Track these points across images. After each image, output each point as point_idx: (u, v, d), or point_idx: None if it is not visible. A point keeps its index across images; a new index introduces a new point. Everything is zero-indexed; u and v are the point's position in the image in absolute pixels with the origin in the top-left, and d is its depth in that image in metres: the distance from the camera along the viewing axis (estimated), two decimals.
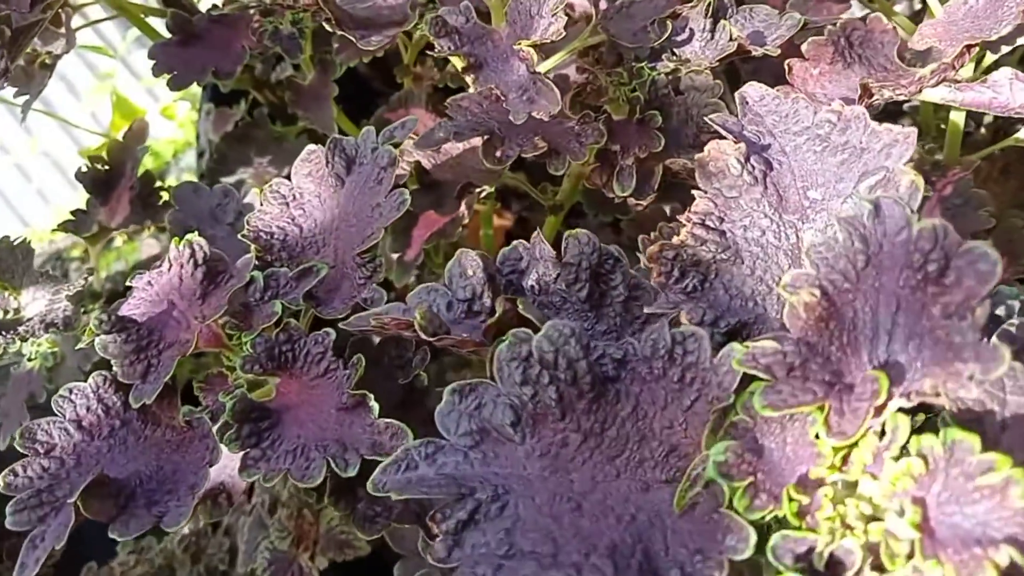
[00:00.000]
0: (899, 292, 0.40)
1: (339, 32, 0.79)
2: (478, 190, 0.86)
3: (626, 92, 0.83)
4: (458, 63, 0.75)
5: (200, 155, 1.46)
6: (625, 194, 0.78)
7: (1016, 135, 0.86)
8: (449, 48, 0.76)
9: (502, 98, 0.72)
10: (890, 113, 1.32)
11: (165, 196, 1.03)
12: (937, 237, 0.40)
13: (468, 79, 0.75)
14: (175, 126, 2.42)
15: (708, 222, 0.51)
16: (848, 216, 0.43)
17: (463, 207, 0.87)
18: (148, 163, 2.41)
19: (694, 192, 0.53)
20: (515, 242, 0.62)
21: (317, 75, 1.01)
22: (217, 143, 1.08)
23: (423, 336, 0.49)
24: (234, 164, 1.06)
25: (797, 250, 0.51)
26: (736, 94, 0.58)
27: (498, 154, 0.77)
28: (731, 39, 0.79)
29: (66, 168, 2.32)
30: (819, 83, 0.77)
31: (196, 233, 0.87)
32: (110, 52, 2.11)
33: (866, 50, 0.78)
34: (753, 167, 0.52)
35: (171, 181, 2.33)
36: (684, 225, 0.51)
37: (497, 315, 0.51)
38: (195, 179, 1.55)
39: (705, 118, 0.55)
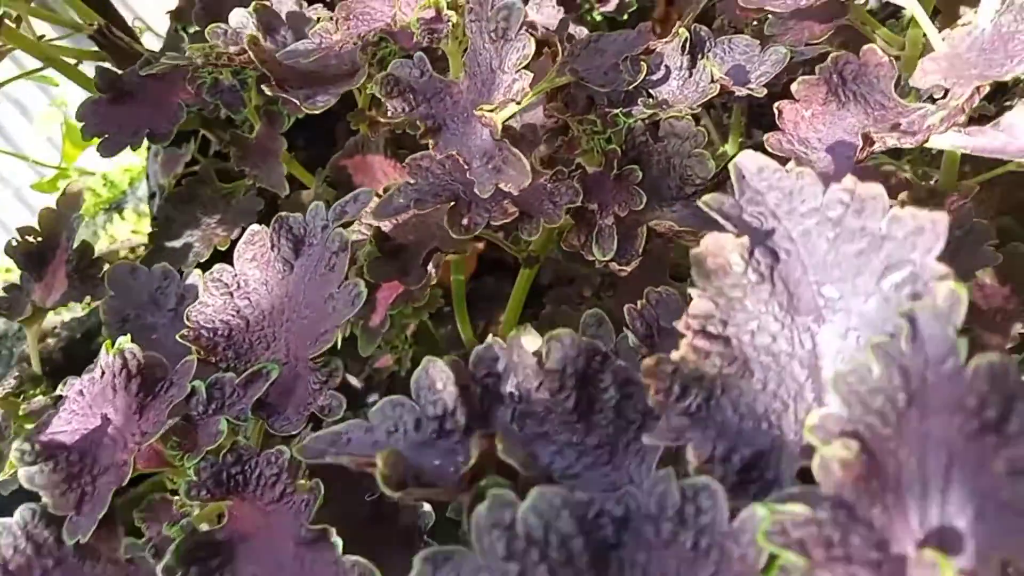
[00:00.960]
0: (951, 440, 0.34)
1: (280, 95, 0.71)
2: (446, 254, 0.79)
3: (601, 142, 0.75)
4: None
5: (151, 196, 1.37)
6: (606, 258, 0.71)
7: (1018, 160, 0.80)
8: (404, 109, 0.68)
9: (465, 166, 0.64)
10: None
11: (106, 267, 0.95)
12: (995, 375, 0.33)
13: (428, 143, 0.67)
14: (129, 152, 2.32)
15: (710, 328, 0.44)
16: (882, 342, 0.36)
17: (431, 271, 0.79)
18: (104, 194, 2.30)
19: (691, 291, 0.46)
20: (489, 341, 0.54)
21: (264, 128, 0.93)
22: (160, 204, 0.99)
23: (387, 491, 0.42)
24: (180, 227, 0.98)
25: (814, 358, 0.44)
26: (730, 165, 0.50)
27: (464, 222, 0.70)
28: (712, 80, 0.72)
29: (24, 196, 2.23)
30: (812, 126, 0.70)
31: (135, 319, 0.79)
32: (55, 81, 2.01)
33: (861, 86, 0.71)
34: (758, 262, 0.45)
35: (128, 212, 2.23)
36: (683, 335, 0.44)
37: (472, 461, 0.43)
38: (149, 218, 1.46)
39: (699, 203, 0.48)
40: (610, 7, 1.59)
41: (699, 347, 0.43)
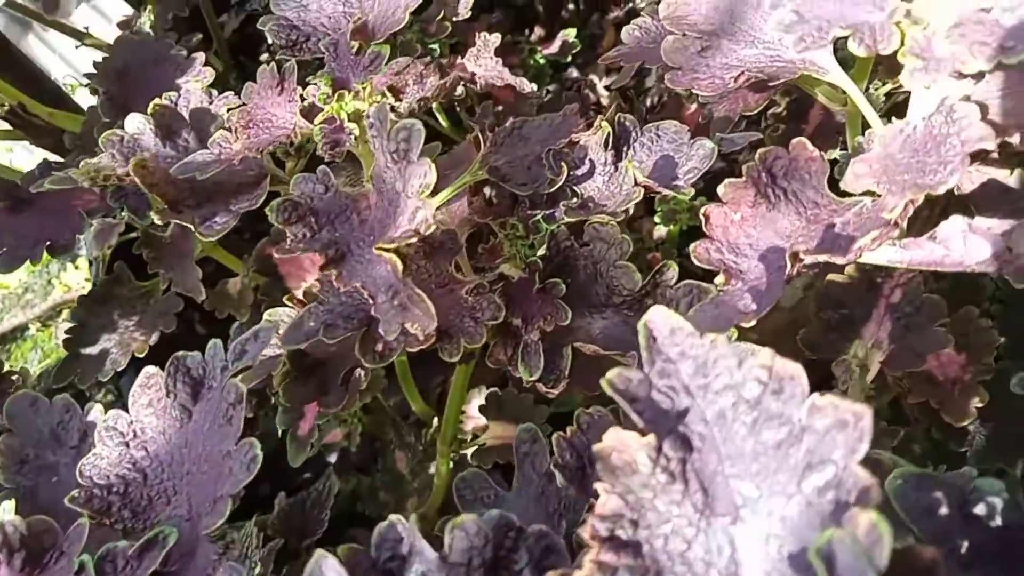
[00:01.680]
0: None
1: (172, 220, 0.66)
2: (368, 371, 0.74)
3: (524, 248, 0.71)
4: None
5: (90, 263, 1.31)
6: (533, 378, 0.67)
7: None
8: (305, 236, 0.63)
9: (370, 300, 0.59)
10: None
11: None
12: None
13: (331, 274, 0.62)
14: None
15: (619, 532, 0.40)
16: None
17: (358, 380, 0.74)
18: None
19: (598, 486, 0.42)
20: (392, 519, 0.49)
21: (177, 228, 0.88)
22: (75, 309, 0.93)
23: None
24: (95, 331, 0.92)
25: (734, 565, 0.39)
26: (640, 326, 0.46)
27: (378, 348, 0.65)
28: (635, 183, 0.68)
29: None
30: (742, 231, 0.66)
31: (35, 459, 0.74)
32: None
33: (792, 182, 0.67)
34: (668, 458, 0.40)
35: (82, 260, 2.15)
36: (589, 547, 0.40)
37: None
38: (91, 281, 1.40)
39: (603, 382, 0.43)
40: (553, 49, 1.55)
41: (606, 563, 0.39)
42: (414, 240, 0.57)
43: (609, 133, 0.72)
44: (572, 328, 0.70)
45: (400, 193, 0.62)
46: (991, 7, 0.57)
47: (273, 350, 0.77)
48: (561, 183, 0.72)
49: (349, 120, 0.66)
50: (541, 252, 0.71)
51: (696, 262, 0.64)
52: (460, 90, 1.31)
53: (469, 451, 0.98)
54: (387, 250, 0.56)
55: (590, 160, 0.74)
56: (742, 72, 0.70)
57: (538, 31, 1.87)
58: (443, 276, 0.70)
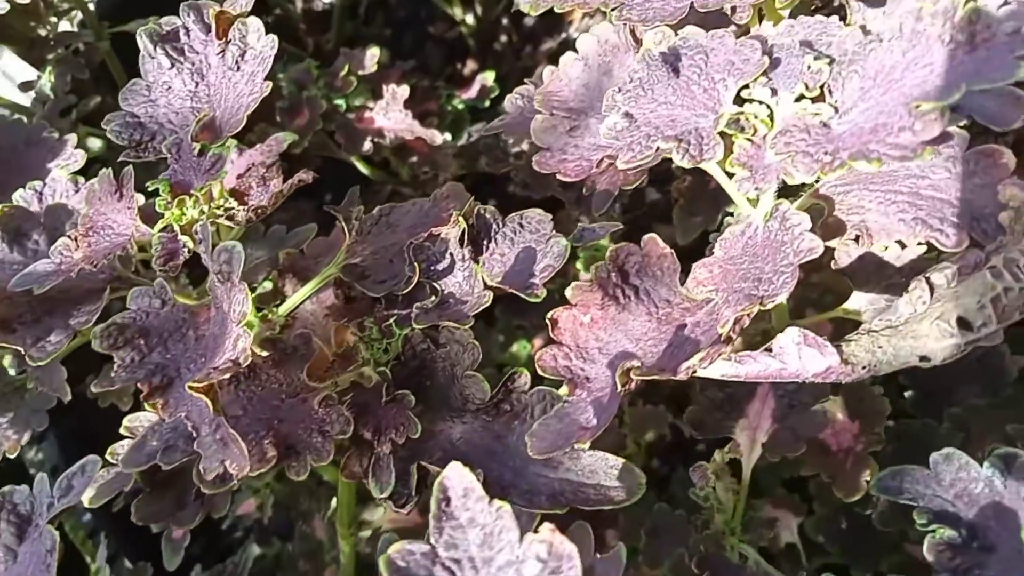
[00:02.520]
0: None
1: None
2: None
3: (379, 352, 0.69)
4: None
5: None
6: (384, 495, 0.64)
7: (845, 305, 0.75)
8: (132, 361, 0.60)
9: (194, 433, 0.57)
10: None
11: None
12: None
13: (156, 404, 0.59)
14: None
15: None
16: None
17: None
18: None
19: None
20: None
21: None
22: None
23: None
24: None
25: None
26: (436, 483, 0.44)
27: (214, 476, 0.62)
28: (485, 287, 0.66)
29: None
30: (592, 333, 0.64)
31: None
32: None
33: (645, 280, 0.65)
34: None
35: None
36: None
37: None
38: None
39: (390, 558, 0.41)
40: (472, 94, 1.53)
41: None
42: (231, 371, 0.55)
43: (463, 231, 0.69)
44: (434, 432, 0.68)
45: (227, 313, 0.59)
46: (822, 112, 0.56)
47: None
48: (416, 281, 0.69)
49: (182, 232, 0.64)
50: (397, 355, 0.68)
51: (540, 372, 0.62)
52: (368, 145, 1.30)
53: (366, 534, 0.96)
54: (200, 388, 0.54)
55: (450, 254, 0.71)
56: (608, 154, 0.68)
57: (470, 65, 1.85)
58: (295, 385, 0.68)
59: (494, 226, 0.72)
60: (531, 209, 0.74)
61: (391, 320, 0.68)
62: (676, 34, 0.67)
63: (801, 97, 0.57)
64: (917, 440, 1.05)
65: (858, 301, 0.74)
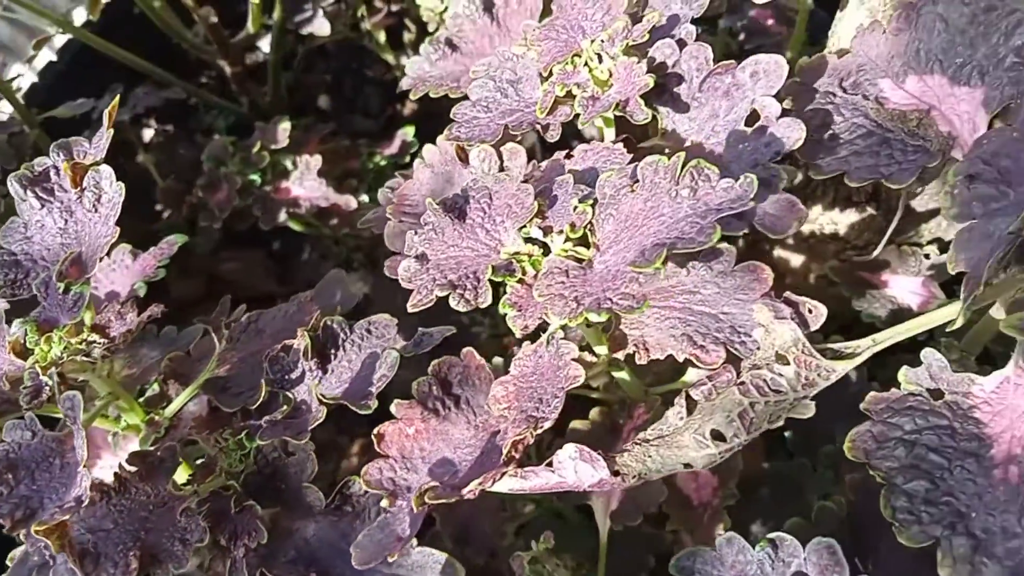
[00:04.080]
0: None
1: None
2: None
3: (235, 462, 0.76)
4: None
5: None
6: None
7: (684, 378, 0.82)
8: (1, 495, 0.68)
9: (50, 561, 0.64)
10: None
11: None
12: None
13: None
14: None
15: None
16: None
17: None
18: None
19: None
20: None
21: None
22: None
23: None
24: None
25: None
26: None
27: None
28: (320, 403, 0.73)
29: None
30: (417, 444, 0.71)
31: None
32: None
33: (466, 389, 0.73)
34: None
35: None
36: None
37: None
38: None
39: None
40: (393, 149, 1.60)
41: None
42: (75, 510, 0.62)
43: (307, 347, 0.76)
44: (291, 532, 0.76)
45: (74, 455, 0.67)
46: (582, 253, 0.62)
47: None
48: (269, 393, 0.76)
49: (43, 373, 0.71)
50: (253, 463, 0.76)
51: (365, 486, 0.69)
52: (284, 216, 1.37)
53: None
54: (44, 531, 0.61)
55: (302, 365, 0.78)
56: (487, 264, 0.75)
57: (410, 106, 1.91)
58: (162, 495, 0.75)
59: (341, 335, 0.79)
60: (379, 315, 0.81)
61: (242, 433, 0.75)
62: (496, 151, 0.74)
63: (568, 238, 0.63)
64: (791, 481, 1.12)
65: (693, 374, 0.82)
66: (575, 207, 0.64)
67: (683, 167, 0.58)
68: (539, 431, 0.61)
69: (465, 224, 0.66)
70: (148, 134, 1.89)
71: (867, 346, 0.64)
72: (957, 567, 0.61)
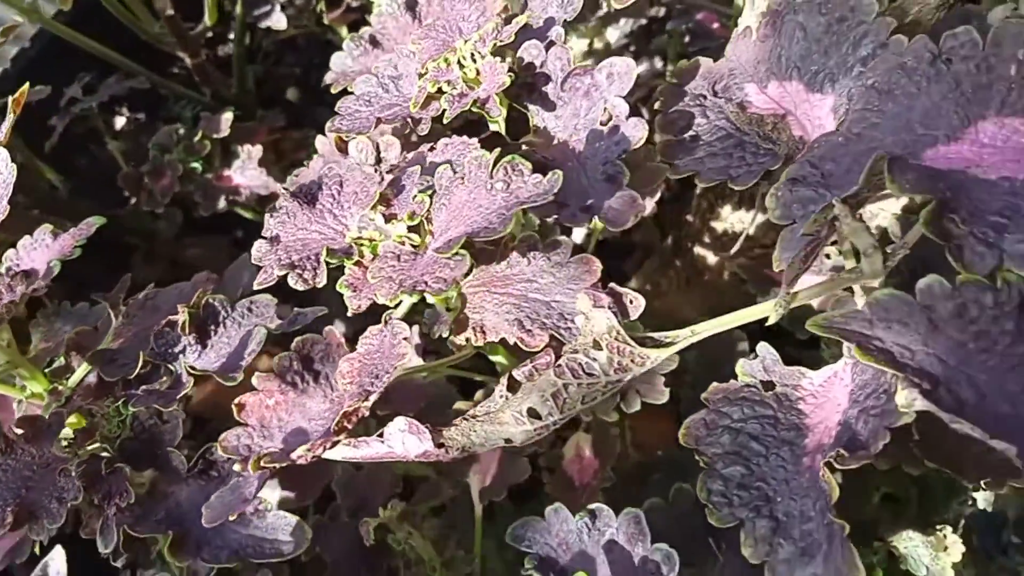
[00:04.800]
0: None
1: None
2: None
3: (115, 427, 0.81)
4: None
5: None
6: (108, 550, 0.77)
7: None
8: None
9: None
10: None
11: None
12: None
13: None
14: None
15: None
16: None
17: None
18: None
19: None
20: None
21: None
22: None
23: None
24: None
25: None
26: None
27: None
28: (189, 374, 0.78)
29: None
30: (276, 414, 0.76)
31: None
32: None
33: (326, 366, 0.77)
34: None
35: None
36: None
37: None
38: None
39: None
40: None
41: None
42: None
43: (185, 321, 0.81)
44: (166, 495, 0.81)
45: None
46: (416, 239, 0.67)
47: None
48: (150, 365, 0.81)
49: None
50: (131, 430, 0.81)
51: (222, 452, 0.74)
52: (223, 203, 1.41)
53: None
54: None
55: (184, 339, 0.83)
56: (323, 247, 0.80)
57: None
58: (45, 457, 0.80)
59: (223, 312, 0.84)
60: (261, 295, 0.86)
61: (120, 401, 0.80)
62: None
63: (408, 226, 0.68)
64: (681, 467, 1.16)
65: None
66: (415, 196, 0.68)
67: (496, 163, 0.62)
68: (369, 403, 0.65)
69: (315, 209, 0.70)
70: (120, 122, 1.94)
71: (685, 336, 0.68)
72: (758, 547, 0.64)
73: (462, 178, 0.66)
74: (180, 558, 0.72)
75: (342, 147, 0.83)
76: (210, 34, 2.04)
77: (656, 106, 0.86)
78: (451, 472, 0.95)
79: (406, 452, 0.67)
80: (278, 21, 1.63)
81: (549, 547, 0.70)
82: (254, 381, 0.76)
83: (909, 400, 0.52)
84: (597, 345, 0.66)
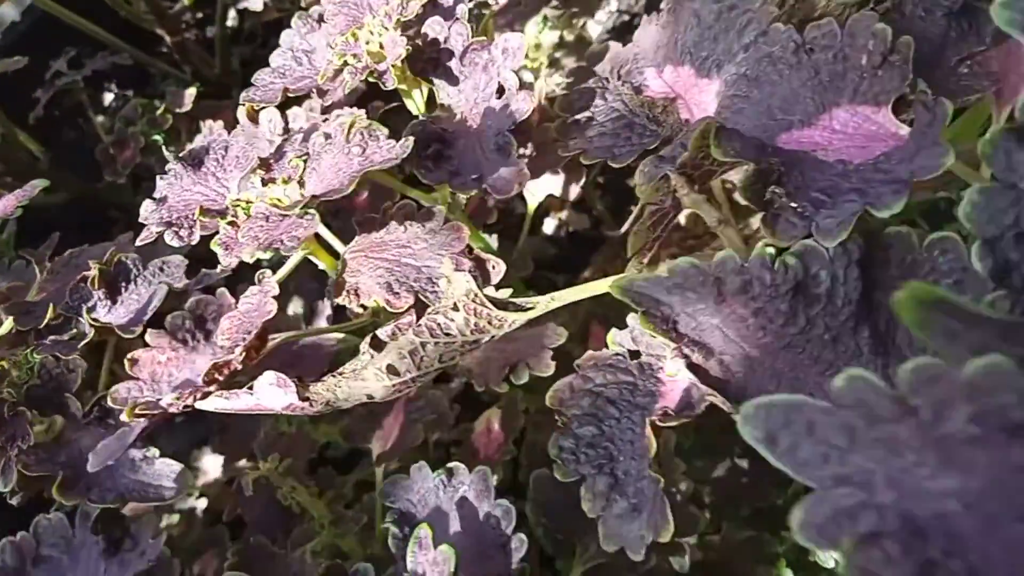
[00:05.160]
0: None
1: None
2: None
3: (23, 375, 0.85)
4: None
5: None
6: (6, 489, 0.81)
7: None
8: None
9: None
10: None
11: None
12: None
13: None
14: None
15: None
16: None
17: None
18: None
19: None
20: None
21: None
22: None
23: None
24: None
25: None
26: None
27: None
28: (91, 326, 0.82)
29: None
30: (166, 369, 0.80)
31: None
32: None
33: (218, 324, 0.81)
34: None
35: None
36: None
37: None
38: None
39: None
40: None
41: None
42: None
43: (94, 277, 0.85)
44: (70, 440, 0.85)
45: None
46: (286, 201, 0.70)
47: None
48: (62, 317, 0.86)
49: None
50: (38, 376, 0.85)
51: (112, 403, 0.78)
52: None
53: None
54: None
55: (95, 294, 0.87)
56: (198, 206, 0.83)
57: None
58: None
59: (134, 270, 0.88)
60: (173, 256, 0.90)
61: (28, 349, 0.84)
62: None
63: (285, 187, 0.71)
64: None
65: None
66: (290, 161, 0.71)
67: (351, 128, 0.66)
68: (236, 356, 0.69)
69: (199, 172, 0.74)
70: (109, 98, 2.00)
71: (544, 302, 0.71)
72: (595, 502, 0.67)
73: (332, 144, 0.69)
74: (68, 497, 0.76)
75: (253, 117, 0.87)
76: (199, 15, 2.09)
77: (562, 87, 0.89)
78: (357, 438, 0.98)
79: (272, 405, 0.70)
80: (255, 3, 1.68)
81: (410, 503, 0.73)
82: (147, 338, 0.80)
83: (675, 369, 0.54)
84: (456, 307, 0.68)
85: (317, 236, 0.78)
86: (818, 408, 0.34)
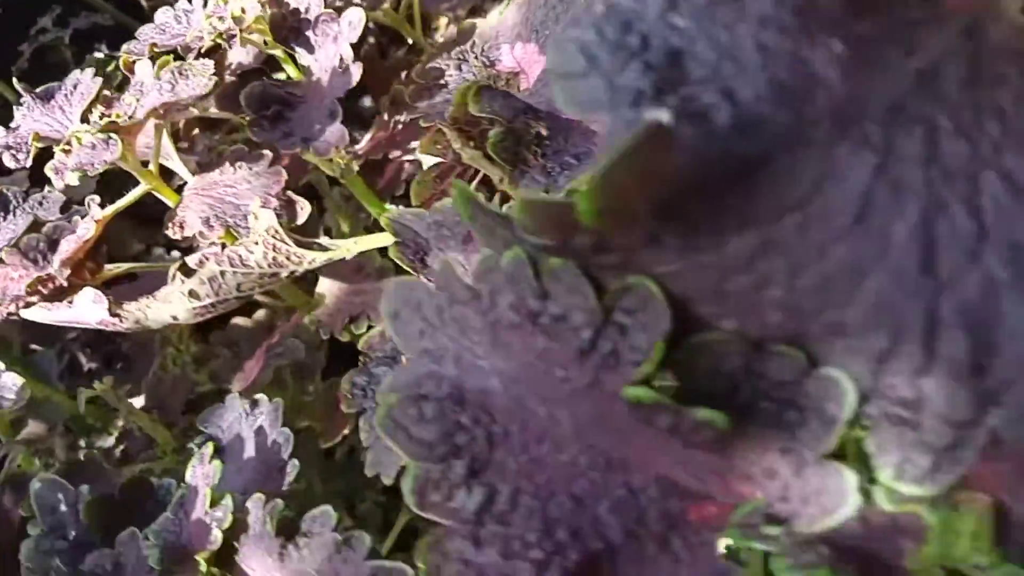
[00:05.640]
0: None
1: None
2: None
3: None
4: None
5: None
6: None
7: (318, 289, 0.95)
8: None
9: None
10: None
11: None
12: None
13: None
14: None
15: None
16: None
17: None
18: None
19: None
20: None
21: None
22: None
23: None
24: None
25: None
26: None
27: None
28: None
29: None
30: (18, 285, 0.86)
31: None
32: None
33: None
34: None
35: None
36: None
37: None
38: None
39: None
40: None
41: None
42: None
43: None
44: None
45: None
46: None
47: None
48: None
49: None
50: None
51: None
52: None
53: None
54: None
55: None
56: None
57: None
58: None
59: (14, 202, 0.95)
60: (55, 192, 0.96)
61: None
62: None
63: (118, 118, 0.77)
64: None
65: (324, 285, 0.95)
66: (126, 100, 0.77)
67: (161, 67, 0.72)
68: (54, 269, 0.75)
69: (48, 105, 0.80)
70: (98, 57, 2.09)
71: (347, 246, 0.76)
72: (370, 433, 0.72)
73: (157, 84, 0.75)
74: None
75: (130, 68, 0.93)
76: None
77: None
78: (221, 379, 1.04)
79: (89, 318, 0.76)
80: None
81: (219, 428, 0.79)
82: (2, 255, 0.86)
83: None
84: (256, 242, 0.74)
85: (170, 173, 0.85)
86: (425, 289, 0.39)
